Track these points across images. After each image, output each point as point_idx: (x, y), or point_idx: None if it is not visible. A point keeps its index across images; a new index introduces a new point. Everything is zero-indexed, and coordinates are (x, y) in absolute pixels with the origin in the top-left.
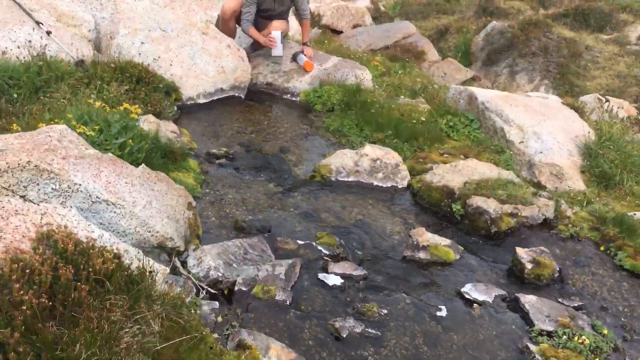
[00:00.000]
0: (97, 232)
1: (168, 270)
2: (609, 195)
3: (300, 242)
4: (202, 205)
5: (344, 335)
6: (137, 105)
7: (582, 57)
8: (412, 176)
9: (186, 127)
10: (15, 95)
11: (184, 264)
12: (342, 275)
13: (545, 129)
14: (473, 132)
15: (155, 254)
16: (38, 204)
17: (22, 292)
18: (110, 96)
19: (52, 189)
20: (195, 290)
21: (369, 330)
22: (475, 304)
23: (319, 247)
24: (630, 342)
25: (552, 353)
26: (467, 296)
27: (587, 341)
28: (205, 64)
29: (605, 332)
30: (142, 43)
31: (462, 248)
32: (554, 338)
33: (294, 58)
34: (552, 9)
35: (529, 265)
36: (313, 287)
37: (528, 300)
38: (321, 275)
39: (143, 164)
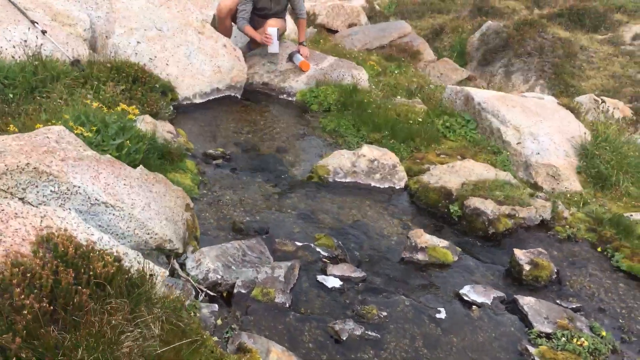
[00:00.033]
0: (97, 234)
1: (167, 272)
2: (605, 196)
3: (299, 244)
4: (199, 207)
5: (344, 338)
6: (134, 106)
7: (577, 57)
8: (410, 177)
9: (182, 127)
10: (11, 96)
11: (182, 266)
12: (341, 277)
13: (542, 129)
14: (469, 133)
15: (153, 256)
16: (37, 207)
17: (23, 296)
18: (106, 96)
19: (51, 191)
20: (194, 293)
21: (369, 332)
22: (474, 306)
23: (318, 249)
24: (629, 344)
25: (551, 355)
26: (465, 298)
27: (586, 343)
28: (201, 64)
29: (604, 333)
30: (138, 42)
31: (460, 249)
32: (553, 340)
33: (290, 58)
34: (547, 9)
35: (527, 267)
36: (312, 289)
37: (527, 302)
38: (320, 278)
39: (141, 165)
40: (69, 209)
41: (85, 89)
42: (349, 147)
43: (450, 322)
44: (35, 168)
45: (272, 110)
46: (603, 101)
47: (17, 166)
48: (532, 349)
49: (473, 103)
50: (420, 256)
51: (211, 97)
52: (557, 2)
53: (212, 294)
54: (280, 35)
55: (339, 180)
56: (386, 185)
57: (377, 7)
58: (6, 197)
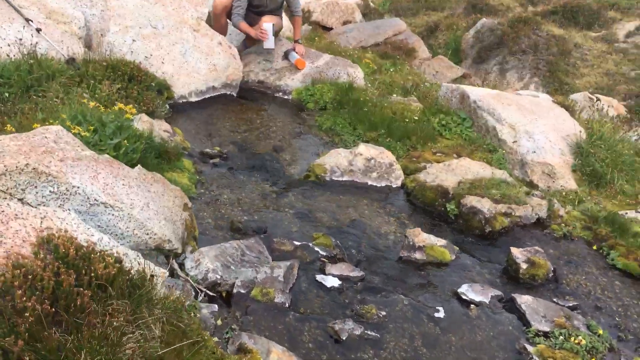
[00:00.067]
0: (97, 235)
1: (167, 273)
2: (600, 194)
3: (297, 243)
4: (197, 206)
5: (344, 338)
6: (131, 105)
7: (571, 55)
8: (406, 175)
9: (179, 126)
10: (7, 95)
11: (181, 266)
12: (340, 277)
13: (537, 128)
14: (465, 131)
15: (153, 257)
16: (37, 207)
17: (25, 298)
18: (102, 95)
19: (50, 191)
20: (193, 293)
21: (368, 332)
22: (472, 305)
23: (316, 248)
24: (625, 342)
25: (549, 354)
26: (463, 297)
27: (584, 341)
28: (196, 62)
29: (601, 332)
30: (134, 40)
31: (458, 248)
32: (551, 339)
33: (286, 56)
34: (541, 6)
35: (524, 265)
36: (311, 289)
37: (524, 300)
38: (319, 277)
39: (139, 165)
40: (69, 209)
41: (81, 88)
42: (345, 146)
43: (449, 321)
44: (34, 169)
45: (268, 108)
46: (598, 99)
47: (16, 167)
48: (530, 348)
49: (469, 101)
50: (418, 255)
51: (207, 96)
52: None
53: (211, 294)
54: (277, 33)
55: (335, 179)
56: (383, 184)
57: (371, 4)
58: (5, 198)
